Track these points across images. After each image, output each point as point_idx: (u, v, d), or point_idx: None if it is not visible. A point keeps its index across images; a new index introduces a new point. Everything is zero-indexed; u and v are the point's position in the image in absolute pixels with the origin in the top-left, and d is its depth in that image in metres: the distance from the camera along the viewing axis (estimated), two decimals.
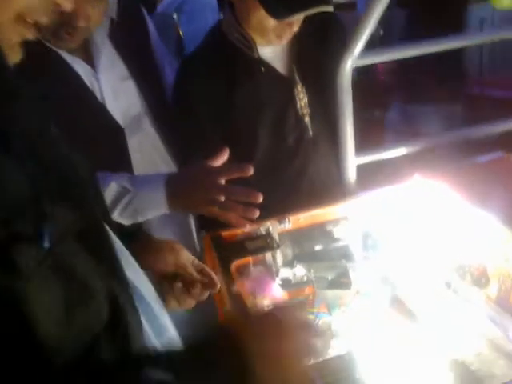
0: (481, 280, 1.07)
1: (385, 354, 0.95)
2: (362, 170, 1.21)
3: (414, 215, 1.16)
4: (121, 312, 0.53)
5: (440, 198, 1.11)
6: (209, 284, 0.83)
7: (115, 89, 1.17)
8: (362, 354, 0.97)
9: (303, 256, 1.14)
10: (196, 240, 1.31)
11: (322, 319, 1.10)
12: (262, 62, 1.27)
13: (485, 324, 0.98)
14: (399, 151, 1.23)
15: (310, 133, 1.32)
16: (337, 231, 1.18)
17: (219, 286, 0.81)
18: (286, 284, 1.12)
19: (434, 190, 1.11)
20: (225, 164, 0.93)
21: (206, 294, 0.83)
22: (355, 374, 0.92)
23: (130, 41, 1.25)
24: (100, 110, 1.14)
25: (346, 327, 1.06)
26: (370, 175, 1.21)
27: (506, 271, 0.98)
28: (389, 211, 1.16)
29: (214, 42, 1.30)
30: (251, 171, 0.86)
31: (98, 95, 1.14)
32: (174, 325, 0.71)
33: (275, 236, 1.02)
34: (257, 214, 0.85)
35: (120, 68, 1.21)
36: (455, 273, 1.12)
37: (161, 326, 0.68)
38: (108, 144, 1.15)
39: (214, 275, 0.83)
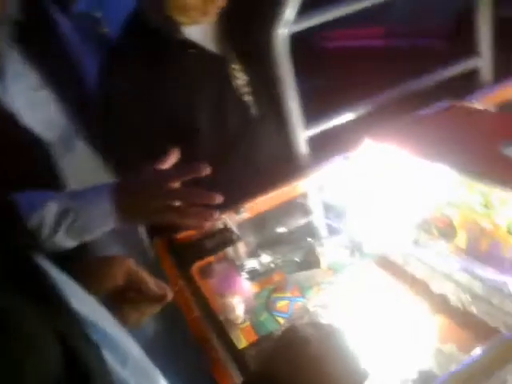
0: (447, 231, 1.06)
1: (369, 327, 0.92)
2: (313, 141, 1.16)
3: (370, 180, 1.13)
4: (75, 352, 0.46)
5: (393, 158, 1.08)
6: (162, 295, 0.76)
7: (30, 100, 1.06)
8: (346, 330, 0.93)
9: (267, 242, 1.09)
10: (149, 248, 1.23)
11: (297, 303, 1.06)
12: (189, 43, 1.18)
13: (460, 275, 0.96)
14: (347, 117, 1.19)
15: (254, 112, 1.25)
16: (297, 209, 1.14)
17: (171, 295, 0.75)
18: (253, 275, 1.07)
19: (385, 151, 1.08)
20: (176, 165, 0.83)
21: (162, 303, 0.76)
22: None
23: (41, 46, 1.13)
24: (12, 123, 1.02)
25: (323, 306, 1.02)
26: (322, 145, 1.16)
27: (471, 219, 0.96)
28: (346, 179, 1.12)
29: (134, 29, 1.19)
30: (207, 170, 0.76)
31: (8, 107, 1.02)
32: (141, 341, 0.64)
33: (234, 228, 0.96)
34: (217, 215, 0.77)
35: (32, 77, 1.09)
36: (421, 229, 1.10)
37: (124, 353, 0.60)
38: (33, 160, 1.04)
39: (163, 284, 0.76)
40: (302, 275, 1.08)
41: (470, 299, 0.91)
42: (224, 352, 0.82)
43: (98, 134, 1.18)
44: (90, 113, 1.18)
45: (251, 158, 1.23)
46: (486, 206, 0.92)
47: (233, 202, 1.00)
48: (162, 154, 0.81)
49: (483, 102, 1.21)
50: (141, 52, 1.16)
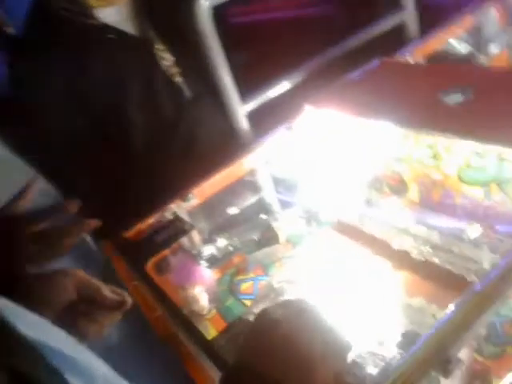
0: (399, 187, 1.06)
1: (337, 295, 0.91)
2: (253, 116, 1.11)
3: (316, 147, 1.11)
4: (31, 380, 0.41)
5: (335, 122, 1.06)
6: (119, 301, 0.71)
7: None
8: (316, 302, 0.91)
9: (221, 226, 1.05)
10: (98, 253, 1.15)
11: (261, 282, 1.03)
12: (106, 28, 1.09)
13: (417, 228, 0.97)
14: (282, 87, 1.15)
15: (187, 94, 1.19)
16: (246, 188, 1.10)
17: (130, 299, 0.70)
18: (212, 261, 1.02)
19: (326, 116, 1.06)
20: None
21: (122, 310, 0.71)
22: None
23: None
24: None
25: (287, 281, 1.00)
26: (263, 119, 1.12)
27: (421, 172, 0.96)
28: (291, 150, 1.10)
29: (39, 20, 1.08)
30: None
31: None
32: (107, 352, 0.59)
33: (184, 217, 0.91)
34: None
35: None
36: (372, 188, 1.10)
37: (91, 375, 0.55)
38: None
39: (119, 290, 0.71)
40: (262, 253, 1.05)
41: (430, 250, 0.91)
42: (194, 346, 0.78)
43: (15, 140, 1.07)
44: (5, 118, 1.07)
45: (191, 141, 1.17)
46: (434, 157, 0.92)
47: (179, 189, 0.94)
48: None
49: (413, 56, 1.22)
50: (51, 45, 1.04)
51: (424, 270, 0.90)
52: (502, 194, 0.84)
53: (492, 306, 0.52)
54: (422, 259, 0.91)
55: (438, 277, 0.86)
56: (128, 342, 1.01)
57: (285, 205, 1.15)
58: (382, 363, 0.72)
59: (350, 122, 1.05)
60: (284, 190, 1.15)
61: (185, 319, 0.82)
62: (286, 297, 0.94)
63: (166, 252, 0.90)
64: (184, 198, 0.93)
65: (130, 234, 0.89)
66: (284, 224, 1.11)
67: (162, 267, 0.92)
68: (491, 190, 0.86)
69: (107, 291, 0.69)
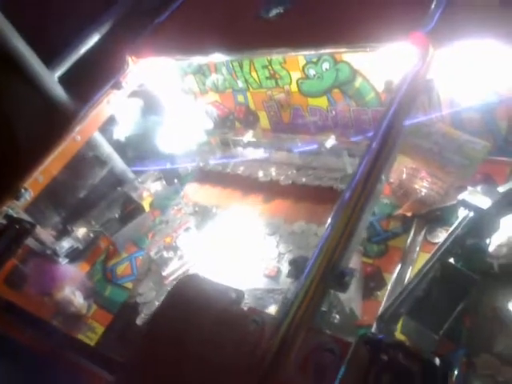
0: (249, 120, 1.02)
1: (219, 247, 0.86)
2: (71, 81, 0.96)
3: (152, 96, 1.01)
4: None
5: (162, 67, 0.97)
6: None
7: None
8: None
9: (74, 213, 0.92)
10: None
11: (138, 259, 0.94)
12: None
13: (276, 155, 0.95)
14: (88, 43, 1.00)
15: None
16: (88, 163, 0.97)
17: None
18: (74, 255, 0.90)
19: (153, 62, 0.96)
20: None
21: None
22: None
23: None
24: None
25: (165, 248, 0.92)
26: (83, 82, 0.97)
27: (267, 97, 0.93)
28: (126, 107, 0.99)
29: None
30: None
31: None
32: None
33: (22, 215, 0.76)
34: None
35: None
36: (225, 128, 1.05)
37: None
38: None
39: None
40: (130, 228, 0.95)
41: (295, 172, 0.90)
42: (82, 356, 0.67)
43: None
44: None
45: (7, 127, 0.98)
46: (272, 77, 0.89)
47: (5, 187, 0.79)
48: None
49: None
50: None
51: (295, 193, 0.88)
52: (345, 97, 0.84)
53: (365, 208, 0.50)
54: (290, 183, 0.89)
55: (310, 195, 0.85)
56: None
57: (138, 170, 1.05)
58: (281, 297, 0.70)
59: (180, 62, 0.97)
60: (133, 153, 1.04)
61: (58, 332, 0.71)
62: (170, 264, 0.87)
63: (13, 261, 0.76)
64: (15, 196, 0.78)
65: None
66: (145, 191, 1.01)
67: (14, 281, 0.78)
68: (334, 97, 0.86)
69: None
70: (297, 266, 0.47)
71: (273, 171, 0.93)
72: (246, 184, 0.95)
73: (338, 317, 0.45)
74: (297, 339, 0.42)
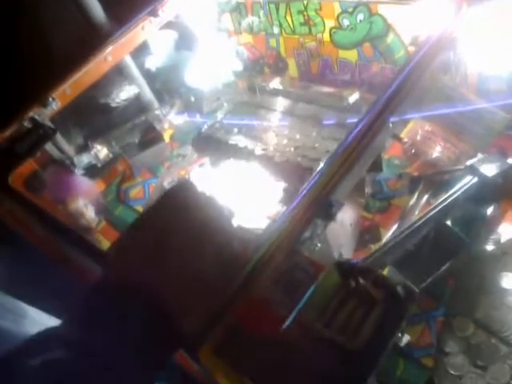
0: (278, 66, 1.02)
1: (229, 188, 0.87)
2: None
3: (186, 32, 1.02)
4: None
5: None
6: None
7: None
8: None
9: (95, 130, 0.95)
10: None
11: (151, 185, 0.98)
12: None
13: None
14: None
15: None
16: (116, 85, 1.00)
17: None
18: (93, 172, 0.94)
19: None
20: None
21: None
22: None
23: None
24: None
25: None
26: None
27: (298, 44, 0.92)
28: (163, 37, 1.00)
29: None
30: None
31: None
32: None
33: (46, 122, 0.80)
34: None
35: None
36: (253, 71, 1.05)
37: None
38: None
39: None
40: (148, 155, 0.98)
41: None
42: (89, 261, 0.71)
43: None
44: None
45: (47, 37, 1.00)
46: (306, 23, 0.88)
47: (36, 94, 0.82)
48: None
49: None
50: None
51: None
52: (375, 52, 0.83)
53: (367, 149, 0.51)
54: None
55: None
56: (15, 269, 0.93)
57: (164, 101, 1.07)
58: None
59: None
60: (161, 85, 1.06)
61: (72, 233, 0.75)
62: None
63: (32, 164, 0.80)
64: (43, 103, 0.81)
65: None
66: (167, 120, 1.04)
67: (34, 185, 0.82)
68: (364, 51, 0.85)
69: None
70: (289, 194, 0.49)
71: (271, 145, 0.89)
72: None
73: (319, 245, 0.47)
74: (276, 257, 0.45)
